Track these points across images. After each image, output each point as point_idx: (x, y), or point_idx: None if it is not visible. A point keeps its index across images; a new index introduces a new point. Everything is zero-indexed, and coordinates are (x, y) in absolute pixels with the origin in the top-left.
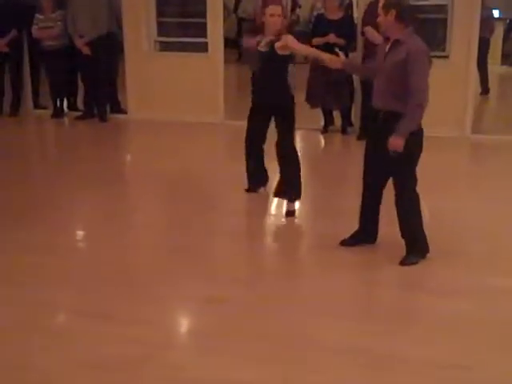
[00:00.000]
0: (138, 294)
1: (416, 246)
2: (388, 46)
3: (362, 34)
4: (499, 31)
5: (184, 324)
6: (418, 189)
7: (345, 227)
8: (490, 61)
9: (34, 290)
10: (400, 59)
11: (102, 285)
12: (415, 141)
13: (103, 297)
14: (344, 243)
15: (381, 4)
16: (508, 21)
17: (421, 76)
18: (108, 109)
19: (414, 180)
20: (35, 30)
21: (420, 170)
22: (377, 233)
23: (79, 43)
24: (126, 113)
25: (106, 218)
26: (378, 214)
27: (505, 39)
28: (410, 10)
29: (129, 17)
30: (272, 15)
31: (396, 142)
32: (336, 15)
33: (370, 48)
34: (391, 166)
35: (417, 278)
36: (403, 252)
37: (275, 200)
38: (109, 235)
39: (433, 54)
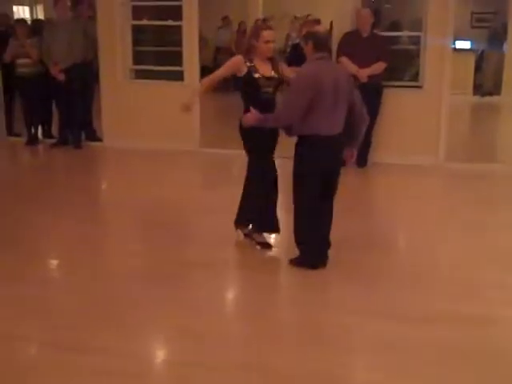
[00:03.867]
0: (112, 325)
1: (303, 253)
2: None
3: (337, 63)
4: (471, 62)
5: (159, 355)
6: (389, 216)
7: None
8: (462, 91)
9: (6, 322)
10: None
11: (76, 316)
12: (305, 157)
13: (77, 328)
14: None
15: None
16: (479, 52)
17: (289, 99)
18: (83, 136)
19: (306, 194)
20: (8, 56)
21: (394, 197)
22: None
23: (54, 70)
24: (101, 140)
25: (79, 246)
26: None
27: (476, 70)
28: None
29: (104, 45)
30: (268, 42)
31: (249, 119)
32: None
33: None
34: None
35: (389, 305)
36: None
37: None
38: (82, 265)
39: (407, 84)
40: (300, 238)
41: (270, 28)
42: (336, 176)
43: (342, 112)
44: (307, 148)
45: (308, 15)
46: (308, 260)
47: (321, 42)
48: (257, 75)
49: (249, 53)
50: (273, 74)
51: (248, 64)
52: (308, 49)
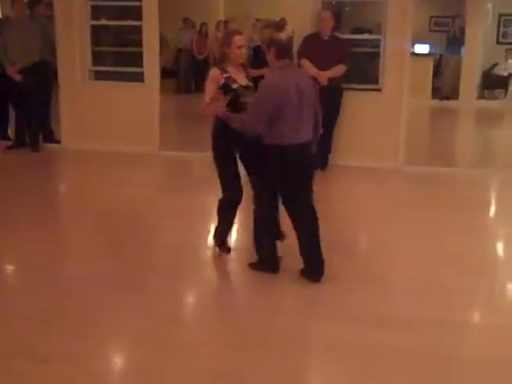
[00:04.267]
0: (73, 332)
1: (262, 261)
2: None
3: (298, 65)
4: (429, 66)
5: (116, 362)
6: (347, 219)
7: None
8: (420, 95)
9: None
10: None
11: (36, 323)
12: (274, 160)
13: (37, 335)
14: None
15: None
16: (438, 56)
17: (255, 108)
18: (41, 138)
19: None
20: None
21: (353, 200)
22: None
23: (11, 71)
24: (59, 142)
25: (37, 252)
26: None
27: (435, 74)
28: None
29: (63, 45)
30: (240, 47)
31: (215, 109)
32: None
33: None
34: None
35: (345, 308)
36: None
37: (211, 232)
38: (41, 271)
39: (366, 87)
40: (259, 244)
41: (240, 33)
42: (306, 184)
43: (309, 118)
44: (274, 157)
45: (281, 19)
46: (267, 265)
47: (283, 49)
48: (235, 86)
49: (222, 62)
50: (248, 83)
51: (224, 75)
52: (271, 56)
